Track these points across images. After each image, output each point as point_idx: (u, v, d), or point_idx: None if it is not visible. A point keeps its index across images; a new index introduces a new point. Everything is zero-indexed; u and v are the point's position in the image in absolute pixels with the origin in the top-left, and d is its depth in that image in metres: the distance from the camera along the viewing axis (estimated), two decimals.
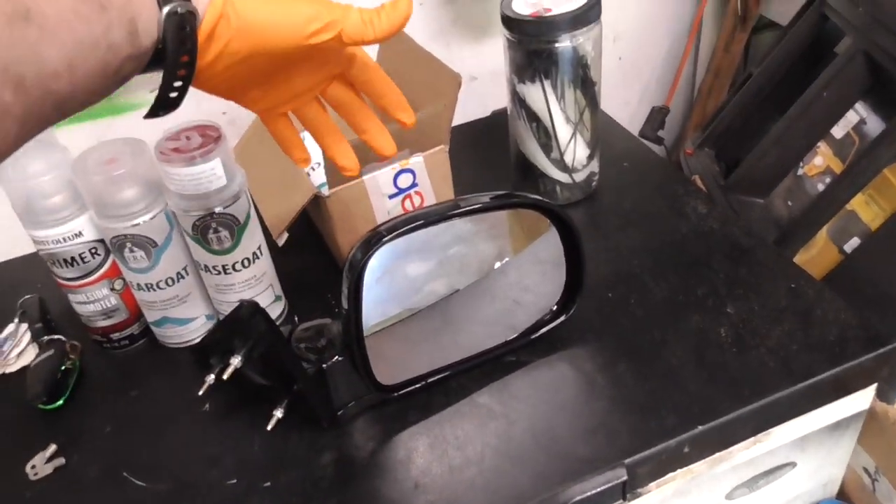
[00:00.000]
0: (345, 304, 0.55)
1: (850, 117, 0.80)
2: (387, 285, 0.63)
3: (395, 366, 0.62)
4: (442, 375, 0.62)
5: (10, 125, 0.30)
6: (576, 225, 0.60)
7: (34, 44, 0.30)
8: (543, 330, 0.64)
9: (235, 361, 0.54)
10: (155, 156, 0.60)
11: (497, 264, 0.68)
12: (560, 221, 0.60)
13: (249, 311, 0.54)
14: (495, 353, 0.63)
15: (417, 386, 0.61)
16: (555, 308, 0.64)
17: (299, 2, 0.42)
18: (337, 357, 0.57)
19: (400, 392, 0.60)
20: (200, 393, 0.57)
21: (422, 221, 0.55)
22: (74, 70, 0.32)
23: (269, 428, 0.58)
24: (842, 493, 0.77)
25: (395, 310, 0.65)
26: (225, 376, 0.54)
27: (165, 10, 0.37)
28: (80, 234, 0.64)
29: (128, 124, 0.97)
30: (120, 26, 0.35)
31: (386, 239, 0.53)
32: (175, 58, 0.38)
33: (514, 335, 0.64)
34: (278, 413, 0.58)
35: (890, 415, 0.69)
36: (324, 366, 0.56)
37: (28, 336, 0.74)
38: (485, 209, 0.58)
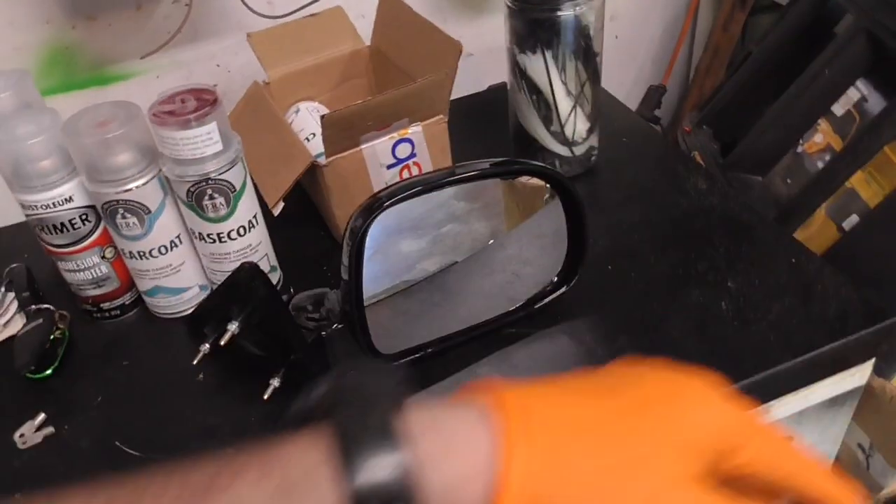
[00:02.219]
0: (345, 271, 0.54)
1: (851, 95, 0.80)
2: (379, 262, 0.62)
3: (394, 336, 0.61)
4: (441, 346, 0.61)
5: None
6: (578, 193, 0.59)
7: None
8: (545, 301, 0.63)
9: (233, 328, 0.53)
10: (148, 119, 0.58)
11: (491, 242, 0.67)
12: (563, 189, 0.60)
13: (249, 274, 0.53)
14: (495, 325, 0.62)
15: (416, 356, 0.60)
16: (556, 279, 0.64)
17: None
18: (336, 325, 0.56)
19: (398, 361, 0.60)
20: (195, 362, 0.56)
21: (421, 187, 0.54)
22: None
23: (265, 397, 0.57)
24: (835, 471, 0.77)
25: (389, 283, 0.64)
26: (222, 342, 0.53)
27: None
28: (70, 200, 0.62)
29: (117, 95, 0.95)
30: None
31: (387, 204, 0.52)
32: None
33: (515, 307, 0.63)
34: (275, 382, 0.57)
35: (887, 391, 0.69)
36: (323, 333, 0.55)
37: (15, 305, 0.72)
38: (486, 175, 0.57)
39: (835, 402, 0.66)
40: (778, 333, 0.60)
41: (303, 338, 0.55)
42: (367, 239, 0.57)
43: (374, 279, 0.62)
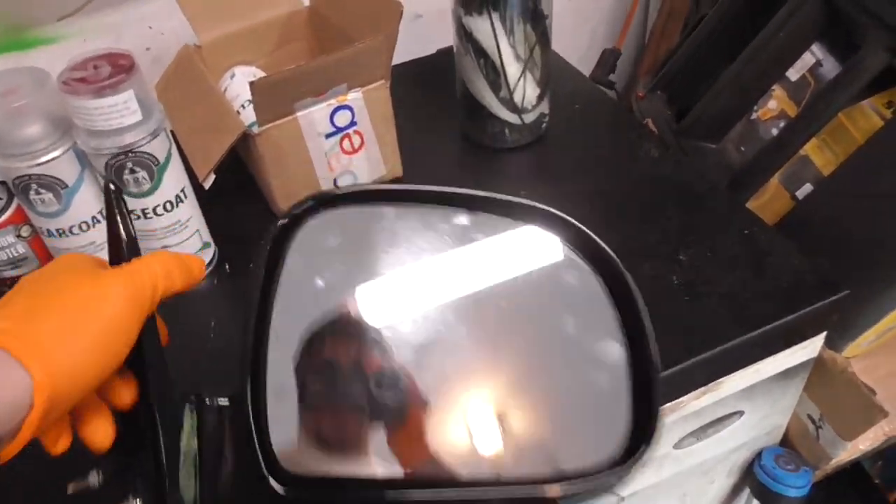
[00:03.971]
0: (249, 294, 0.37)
1: (807, 59, 0.78)
2: None
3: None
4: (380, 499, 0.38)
5: None
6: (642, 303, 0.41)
7: None
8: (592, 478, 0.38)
9: None
10: (59, 87, 0.53)
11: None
12: (619, 284, 0.41)
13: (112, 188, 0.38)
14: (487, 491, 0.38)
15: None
16: (619, 455, 0.38)
17: (105, 330, 0.34)
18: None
19: (303, 492, 0.36)
20: None
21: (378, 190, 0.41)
22: None
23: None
24: (785, 440, 0.77)
25: None
26: None
27: None
28: None
29: (40, 61, 0.88)
30: None
31: (316, 202, 0.38)
32: None
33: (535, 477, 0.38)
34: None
35: (838, 363, 0.68)
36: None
37: None
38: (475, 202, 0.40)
39: (786, 374, 0.65)
40: (730, 307, 0.58)
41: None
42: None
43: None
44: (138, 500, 0.37)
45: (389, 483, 0.37)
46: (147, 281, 0.36)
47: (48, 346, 0.32)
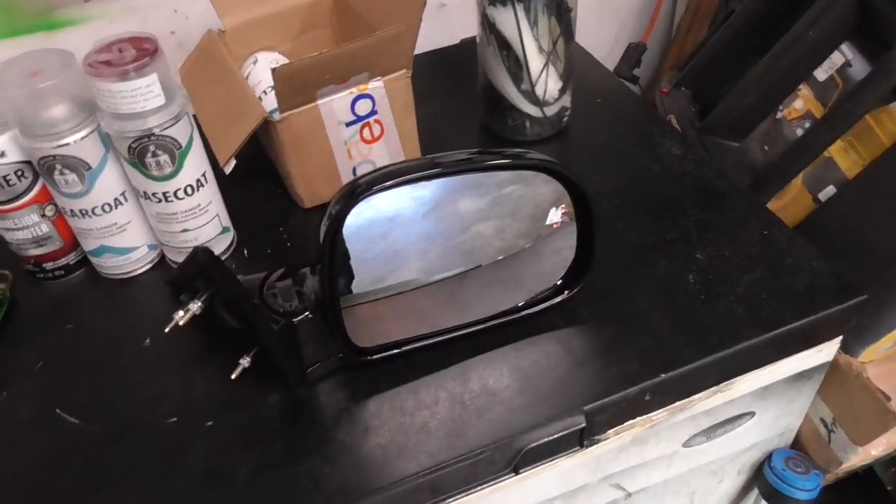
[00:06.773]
0: (320, 262, 0.50)
1: (835, 59, 0.76)
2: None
3: (377, 325, 0.56)
4: (423, 344, 0.56)
5: None
6: (588, 190, 0.55)
7: None
8: (540, 307, 0.58)
9: (194, 307, 0.49)
10: (83, 69, 0.54)
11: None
12: (569, 185, 0.55)
13: (204, 260, 0.49)
14: (484, 325, 0.58)
15: (395, 352, 0.56)
16: (559, 283, 0.59)
17: None
18: (308, 314, 0.52)
19: (375, 356, 0.55)
20: (167, 330, 0.51)
21: (404, 177, 0.49)
22: None
23: (233, 377, 0.53)
24: (797, 443, 0.76)
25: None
26: (181, 322, 0.49)
27: None
28: (2, 155, 0.58)
29: (67, 41, 0.89)
30: None
31: (368, 193, 0.48)
32: None
33: (508, 308, 0.58)
34: (244, 362, 0.53)
35: (853, 367, 0.67)
36: (294, 321, 0.52)
37: None
38: (475, 169, 0.54)
39: (800, 376, 0.65)
40: (746, 308, 0.58)
41: (267, 326, 0.51)
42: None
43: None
44: (248, 358, 0.52)
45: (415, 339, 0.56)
46: None
47: None
